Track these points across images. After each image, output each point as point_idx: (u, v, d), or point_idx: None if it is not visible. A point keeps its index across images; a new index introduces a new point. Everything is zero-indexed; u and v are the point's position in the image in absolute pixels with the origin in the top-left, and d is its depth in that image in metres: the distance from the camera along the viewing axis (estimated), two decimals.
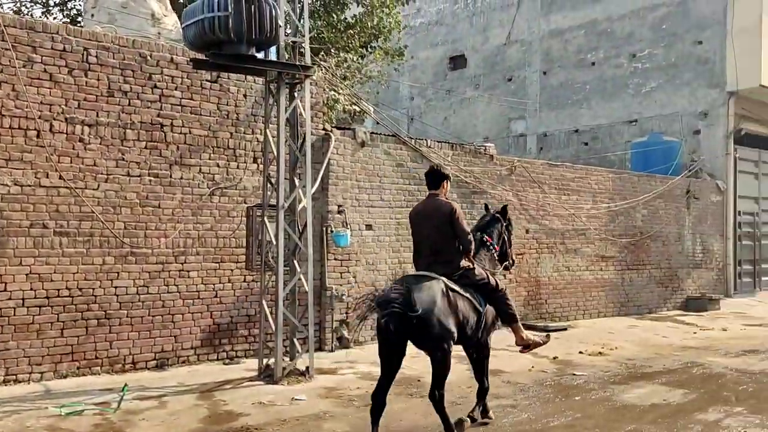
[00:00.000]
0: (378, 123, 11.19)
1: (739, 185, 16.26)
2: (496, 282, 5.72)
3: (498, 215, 6.25)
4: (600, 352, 9.28)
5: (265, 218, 7.36)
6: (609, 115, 17.65)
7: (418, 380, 7.37)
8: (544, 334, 6.69)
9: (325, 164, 8.81)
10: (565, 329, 11.04)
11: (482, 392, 5.94)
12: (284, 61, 7.16)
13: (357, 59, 11.44)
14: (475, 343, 5.68)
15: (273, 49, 7.36)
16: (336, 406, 6.31)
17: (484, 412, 5.93)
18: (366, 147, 9.45)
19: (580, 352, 9.21)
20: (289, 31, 7.53)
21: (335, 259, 9.04)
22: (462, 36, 20.76)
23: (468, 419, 5.69)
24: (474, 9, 20.50)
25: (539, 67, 19.07)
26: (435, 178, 5.67)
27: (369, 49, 11.86)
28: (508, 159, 11.78)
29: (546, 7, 18.94)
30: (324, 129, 8.99)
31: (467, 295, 5.38)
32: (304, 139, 7.49)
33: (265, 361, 7.32)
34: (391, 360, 5.20)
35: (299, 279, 7.47)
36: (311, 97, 8.17)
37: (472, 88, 20.38)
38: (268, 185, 7.44)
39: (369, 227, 9.48)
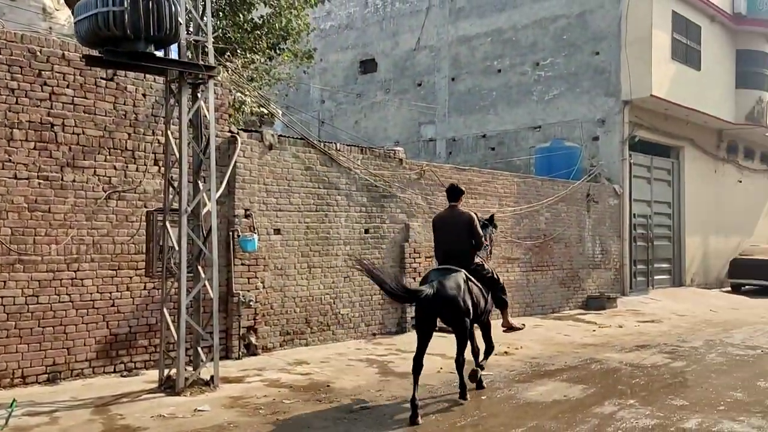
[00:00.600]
0: (287, 126, 11.03)
1: (634, 189, 17.16)
2: (497, 276, 7.35)
3: (487, 222, 7.68)
4: (506, 352, 9.50)
5: (167, 223, 7.08)
6: (514, 121, 18.21)
7: (327, 385, 7.31)
8: (521, 322, 8.34)
9: (231, 167, 8.59)
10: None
11: (489, 350, 7.56)
12: (186, 60, 6.92)
13: (265, 61, 11.23)
14: (481, 321, 7.25)
15: (175, 47, 7.11)
16: (241, 416, 6.14)
17: (480, 368, 7.33)
18: (274, 150, 9.30)
19: None
20: (191, 29, 7.30)
21: (242, 264, 8.83)
22: (372, 40, 20.88)
23: (478, 368, 7.27)
24: (384, 14, 20.66)
25: (448, 73, 19.44)
26: (455, 192, 7.22)
27: (277, 51, 11.66)
28: (418, 163, 11.90)
29: (454, 14, 19.34)
30: (230, 131, 8.77)
31: (479, 284, 6.89)
32: (209, 141, 7.26)
33: (166, 371, 7.03)
34: (425, 334, 6.56)
35: (204, 285, 7.23)
36: (216, 98, 7.96)
37: (383, 92, 20.52)
38: (170, 189, 7.17)
39: (277, 231, 9.32)
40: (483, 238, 7.09)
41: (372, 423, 6.00)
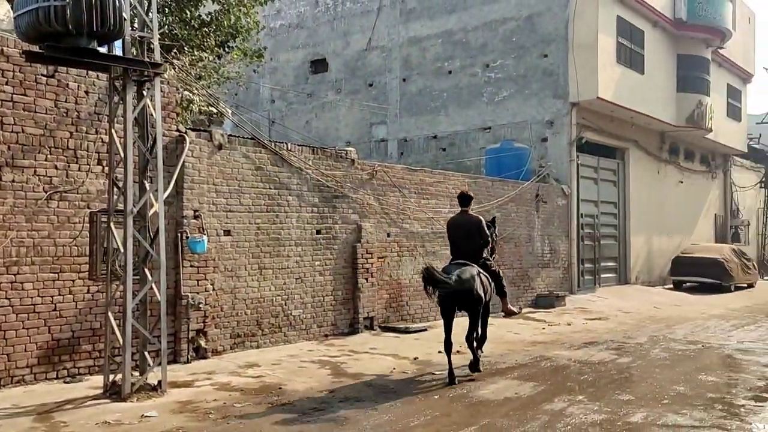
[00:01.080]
0: (237, 126, 10.87)
1: (581, 189, 17.54)
2: (499, 270, 8.71)
3: (490, 224, 8.76)
4: (458, 351, 9.50)
5: (112, 224, 6.87)
6: (465, 122, 18.39)
7: (279, 388, 7.22)
8: (518, 307, 10.34)
9: (179, 167, 8.40)
10: (425, 330, 11.30)
11: (483, 339, 8.49)
12: (130, 57, 6.73)
13: (213, 59, 11.02)
14: (485, 305, 8.16)
15: (119, 43, 6.91)
16: (190, 421, 6.00)
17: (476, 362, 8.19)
18: (224, 150, 9.14)
19: (439, 352, 9.39)
20: (136, 25, 7.10)
21: (191, 266, 8.64)
22: (323, 40, 20.79)
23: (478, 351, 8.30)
24: (335, 13, 20.60)
25: (399, 74, 19.50)
26: (465, 199, 8.50)
27: (226, 49, 11.46)
28: (370, 163, 11.89)
29: (405, 15, 19.41)
30: (178, 130, 8.57)
31: (486, 275, 8.10)
32: (155, 140, 7.08)
33: (111, 377, 6.82)
34: (449, 318, 7.81)
35: (151, 288, 7.04)
36: (163, 96, 7.77)
37: (334, 92, 20.45)
38: (115, 189, 6.96)
39: (227, 233, 9.16)
40: (489, 237, 8.41)
41: (325, 424, 5.95)
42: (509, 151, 16.29)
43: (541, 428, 5.88)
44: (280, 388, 7.24)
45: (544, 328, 12.05)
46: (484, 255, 8.35)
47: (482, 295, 7.80)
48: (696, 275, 19.99)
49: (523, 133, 17.39)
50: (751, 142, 29.15)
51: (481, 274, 7.93)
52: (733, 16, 21.70)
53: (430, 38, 18.97)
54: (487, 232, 8.33)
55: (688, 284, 20.26)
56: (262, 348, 9.38)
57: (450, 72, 18.64)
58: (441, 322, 7.99)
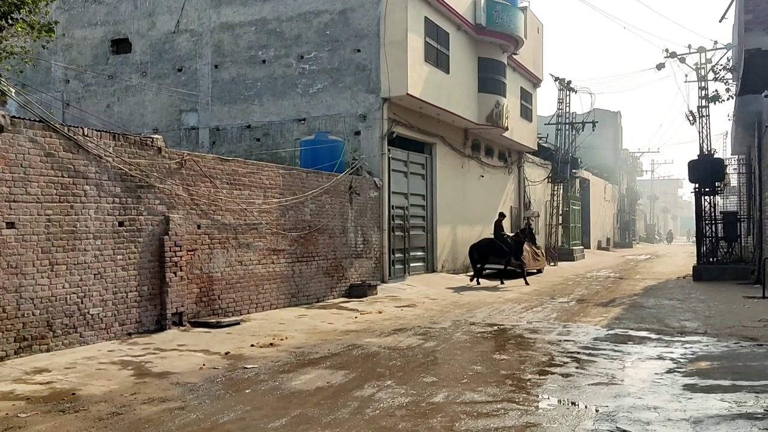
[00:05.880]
0: (22, 107, 9.77)
1: (392, 182, 18.19)
2: (523, 242, 20.59)
3: (525, 227, 21.82)
4: (271, 344, 9.46)
5: None
6: (280, 112, 18.22)
7: (73, 394, 6.63)
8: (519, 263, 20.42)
9: None
10: (239, 323, 11.05)
11: (524, 275, 19.95)
12: None
13: None
14: (507, 260, 19.38)
15: None
16: None
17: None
18: (6, 133, 8.17)
19: (252, 345, 9.28)
20: None
21: None
22: (125, 18, 19.44)
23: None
24: None
25: (210, 60, 18.82)
26: (501, 214, 20.29)
27: (9, 21, 10.21)
28: (178, 152, 11.30)
29: None
30: None
31: (500, 243, 19.11)
32: None
33: None
34: (474, 263, 19.15)
35: None
36: None
37: (139, 75, 19.22)
38: None
39: (11, 225, 8.21)
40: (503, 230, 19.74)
41: (125, 430, 5.56)
42: (324, 143, 16.41)
43: (351, 414, 5.98)
44: (73, 393, 6.64)
45: (356, 317, 12.32)
46: (503, 235, 19.43)
47: (496, 254, 18.82)
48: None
49: (337, 125, 17.62)
50: (540, 141, 32.21)
51: (495, 242, 18.90)
52: (524, 25, 23.72)
53: (243, 25, 18.51)
54: (503, 228, 19.67)
55: (487, 271, 21.86)
56: (54, 351, 8.56)
57: (264, 61, 18.35)
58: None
